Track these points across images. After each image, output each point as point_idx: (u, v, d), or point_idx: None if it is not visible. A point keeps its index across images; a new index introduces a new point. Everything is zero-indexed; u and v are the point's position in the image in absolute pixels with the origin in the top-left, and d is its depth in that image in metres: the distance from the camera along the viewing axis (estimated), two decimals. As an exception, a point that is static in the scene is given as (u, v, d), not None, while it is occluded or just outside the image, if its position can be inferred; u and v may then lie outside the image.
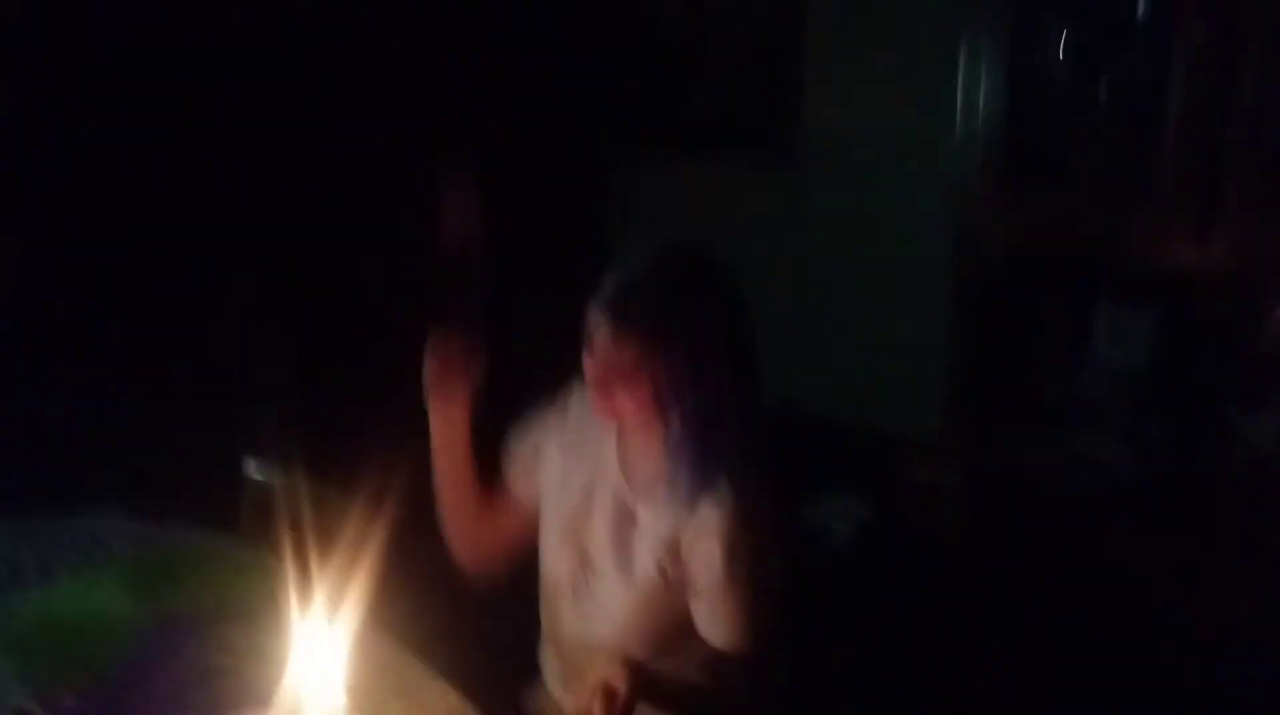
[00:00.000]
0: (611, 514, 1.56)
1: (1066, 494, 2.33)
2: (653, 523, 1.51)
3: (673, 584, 1.49)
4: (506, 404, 1.73)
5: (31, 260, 2.72)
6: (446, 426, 1.66)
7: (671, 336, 1.41)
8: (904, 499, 2.59)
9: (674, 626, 1.52)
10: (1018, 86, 2.59)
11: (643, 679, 1.36)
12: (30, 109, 2.68)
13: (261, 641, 1.48)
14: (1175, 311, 2.36)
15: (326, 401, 2.72)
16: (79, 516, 1.94)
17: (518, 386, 1.71)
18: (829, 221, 3.13)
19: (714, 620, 1.47)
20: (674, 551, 1.49)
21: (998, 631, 2.27)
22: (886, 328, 2.99)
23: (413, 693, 1.42)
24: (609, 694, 1.31)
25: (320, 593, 1.26)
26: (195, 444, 2.46)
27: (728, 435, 1.45)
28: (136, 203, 2.81)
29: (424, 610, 1.62)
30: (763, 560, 1.46)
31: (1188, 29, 2.15)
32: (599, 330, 1.43)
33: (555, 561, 1.61)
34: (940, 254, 2.77)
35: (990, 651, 2.23)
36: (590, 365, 1.46)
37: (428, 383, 1.61)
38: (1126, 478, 2.32)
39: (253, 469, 2.05)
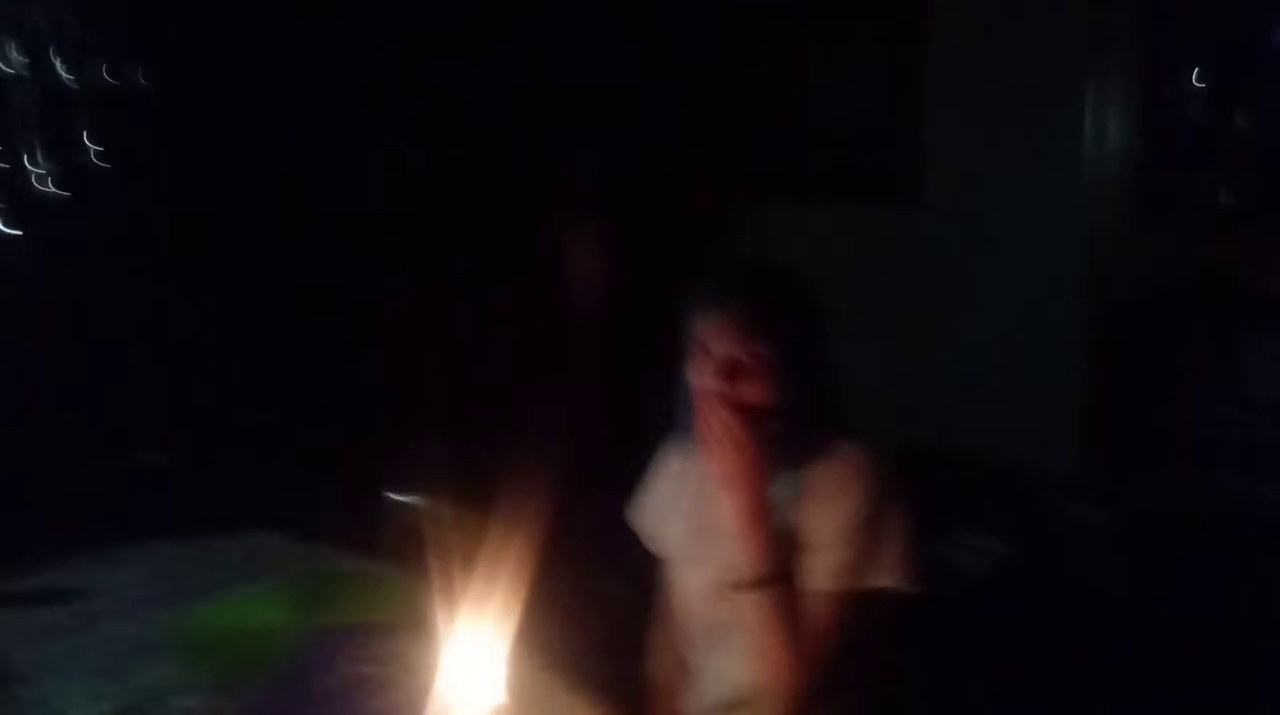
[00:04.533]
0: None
1: (1213, 531, 2.26)
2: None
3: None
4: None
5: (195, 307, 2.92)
6: None
7: (792, 320, 1.50)
8: (1041, 535, 2.54)
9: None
10: (1150, 121, 2.56)
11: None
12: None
13: (409, 654, 1.55)
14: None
15: (465, 428, 2.81)
16: (236, 537, 2.07)
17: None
18: (959, 260, 3.11)
19: (857, 564, 1.47)
20: (797, 516, 1.52)
21: (1138, 669, 2.20)
22: (1022, 363, 2.93)
23: (558, 703, 1.47)
24: None
25: (464, 609, 1.31)
26: (341, 471, 2.58)
27: (835, 410, 1.55)
28: (290, 256, 3.00)
29: (564, 624, 1.66)
30: (893, 501, 1.50)
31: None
32: (722, 323, 1.48)
33: (691, 595, 1.64)
34: (1074, 289, 2.72)
35: (1134, 690, 2.16)
36: (706, 367, 1.50)
37: None
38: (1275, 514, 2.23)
39: (395, 494, 2.15)
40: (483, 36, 3.32)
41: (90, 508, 2.15)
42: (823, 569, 1.47)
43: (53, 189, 1.83)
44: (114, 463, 2.33)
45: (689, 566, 1.65)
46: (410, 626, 1.62)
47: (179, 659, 1.61)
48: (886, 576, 1.47)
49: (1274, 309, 2.31)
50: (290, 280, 2.98)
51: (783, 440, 1.50)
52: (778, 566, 1.48)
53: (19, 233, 1.96)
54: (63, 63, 1.82)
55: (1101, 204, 2.66)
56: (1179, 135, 2.55)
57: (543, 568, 1.54)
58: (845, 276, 3.33)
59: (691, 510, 1.66)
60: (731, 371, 1.47)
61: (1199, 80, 2.49)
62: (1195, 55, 2.49)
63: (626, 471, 1.79)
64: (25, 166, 1.81)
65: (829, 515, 1.48)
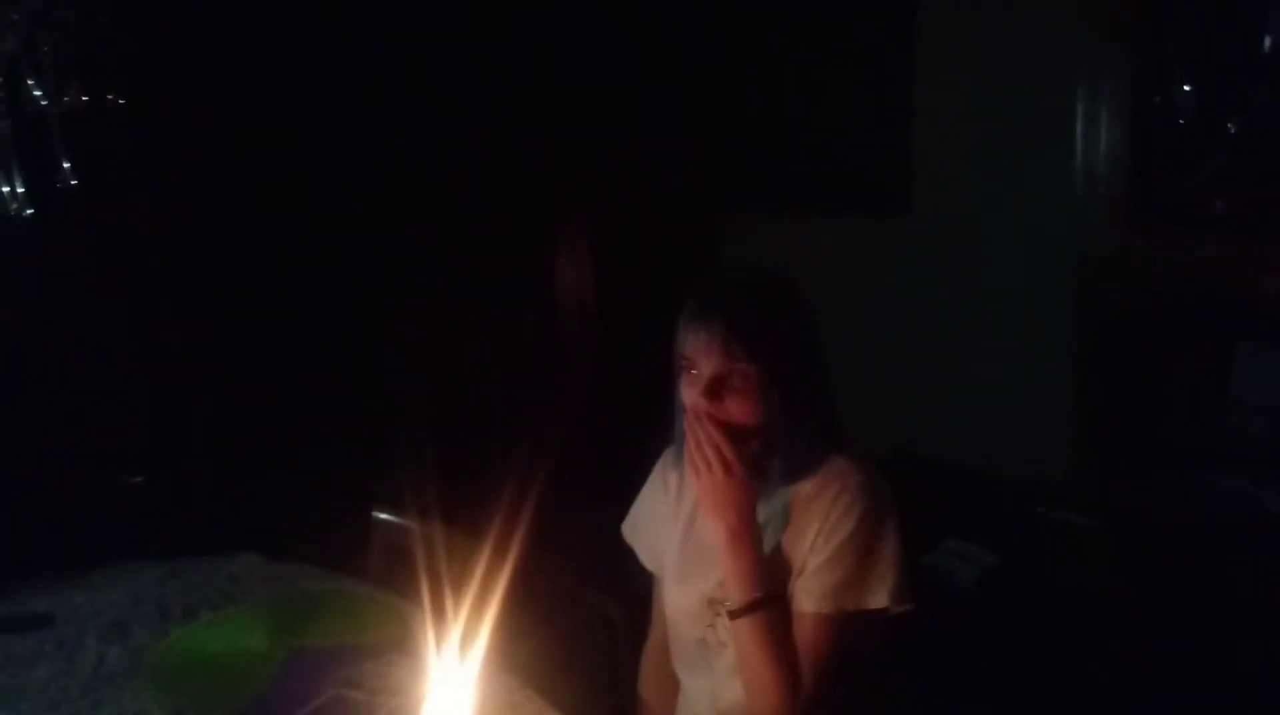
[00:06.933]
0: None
1: (1206, 536, 2.24)
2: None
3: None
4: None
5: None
6: None
7: (778, 333, 1.43)
8: (1034, 544, 2.52)
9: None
10: (1140, 127, 2.55)
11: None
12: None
13: (394, 676, 1.52)
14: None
15: (454, 445, 2.79)
16: (219, 559, 2.04)
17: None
18: (948, 267, 3.09)
19: (839, 579, 1.42)
20: (787, 536, 1.48)
21: (1131, 677, 2.17)
22: (1013, 372, 2.91)
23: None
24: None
25: (446, 631, 1.28)
26: (326, 490, 2.55)
27: (829, 423, 1.50)
28: (274, 274, 2.98)
29: (544, 648, 1.63)
30: (886, 520, 1.45)
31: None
32: (707, 340, 1.42)
33: (679, 611, 1.61)
34: (1065, 295, 2.71)
35: (1127, 699, 2.14)
36: (695, 382, 1.44)
37: None
38: (1268, 516, 2.21)
39: (382, 513, 2.11)
40: (478, 44, 3.30)
41: (70, 530, 2.12)
42: (814, 591, 1.43)
43: (29, 212, 1.79)
44: (94, 484, 2.29)
45: (679, 584, 1.61)
46: (396, 648, 1.60)
47: (160, 683, 1.58)
48: (879, 598, 1.43)
49: (1264, 313, 2.30)
50: (274, 298, 2.95)
51: (772, 458, 1.46)
52: (766, 589, 1.43)
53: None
54: (38, 85, 1.79)
55: (1092, 212, 2.65)
56: (1169, 142, 2.54)
57: (532, 586, 1.51)
58: (834, 287, 3.32)
59: (683, 527, 1.63)
60: (718, 389, 1.42)
61: (1189, 86, 2.48)
62: (1185, 59, 2.49)
63: (619, 487, 1.76)
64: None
65: (820, 536, 1.44)
